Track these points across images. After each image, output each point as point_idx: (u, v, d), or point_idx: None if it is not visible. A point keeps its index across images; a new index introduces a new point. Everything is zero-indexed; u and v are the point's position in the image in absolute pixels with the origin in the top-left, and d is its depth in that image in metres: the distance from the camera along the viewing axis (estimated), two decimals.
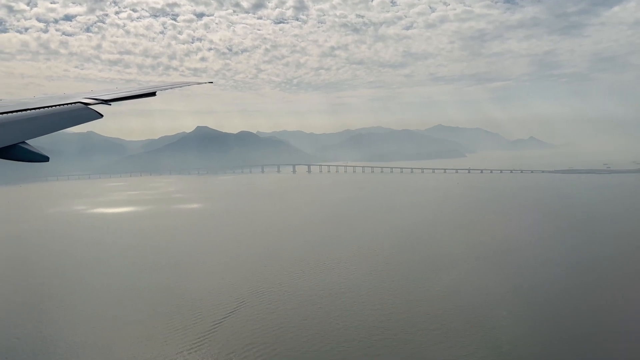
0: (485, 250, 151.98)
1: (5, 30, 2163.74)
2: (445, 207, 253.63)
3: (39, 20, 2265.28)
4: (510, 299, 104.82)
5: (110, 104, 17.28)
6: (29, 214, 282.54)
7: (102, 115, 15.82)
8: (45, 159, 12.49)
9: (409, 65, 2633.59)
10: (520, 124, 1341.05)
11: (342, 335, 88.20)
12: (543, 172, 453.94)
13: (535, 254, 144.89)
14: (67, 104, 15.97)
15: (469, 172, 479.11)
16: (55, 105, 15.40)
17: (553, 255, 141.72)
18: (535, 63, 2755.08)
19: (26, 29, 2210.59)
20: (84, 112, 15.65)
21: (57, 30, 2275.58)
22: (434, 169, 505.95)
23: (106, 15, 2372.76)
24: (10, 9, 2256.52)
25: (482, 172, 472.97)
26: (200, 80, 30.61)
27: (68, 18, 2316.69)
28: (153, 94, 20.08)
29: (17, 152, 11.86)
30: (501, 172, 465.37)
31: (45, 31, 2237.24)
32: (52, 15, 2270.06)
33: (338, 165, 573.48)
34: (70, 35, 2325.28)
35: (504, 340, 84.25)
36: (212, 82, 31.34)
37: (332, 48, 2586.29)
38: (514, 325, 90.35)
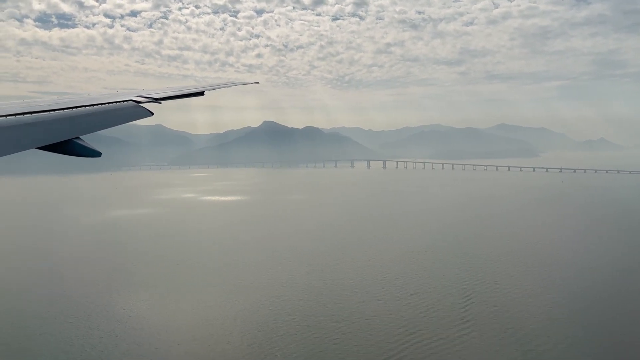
0: None
1: (74, 26, 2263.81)
2: (599, 206, 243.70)
3: (106, 16, 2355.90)
4: None
5: (160, 103, 17.77)
6: (143, 199, 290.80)
7: (152, 113, 16.27)
8: (97, 154, 12.63)
9: (465, 63, 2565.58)
10: (588, 125, 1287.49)
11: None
12: None
13: None
14: (119, 101, 16.35)
15: (560, 171, 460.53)
16: (108, 103, 15.76)
17: None
18: (597, 62, 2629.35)
19: (93, 25, 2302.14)
20: (135, 110, 16.18)
21: (122, 25, 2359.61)
22: (521, 167, 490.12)
23: (170, 11, 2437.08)
24: (80, 5, 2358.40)
25: (574, 171, 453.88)
26: (247, 80, 31.81)
27: (134, 14, 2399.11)
28: (201, 93, 21.01)
29: (72, 147, 12.17)
30: (596, 172, 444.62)
31: (111, 27, 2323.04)
32: (119, 11, 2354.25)
33: (415, 162, 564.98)
34: (134, 30, 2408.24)
35: None
36: (258, 82, 32.59)
37: (388, 44, 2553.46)
38: None
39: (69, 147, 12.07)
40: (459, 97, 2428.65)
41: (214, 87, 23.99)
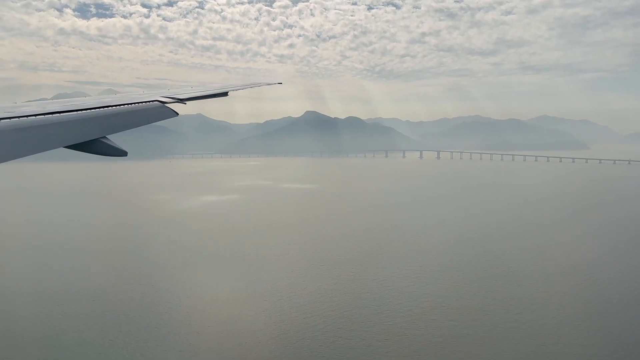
0: None
1: (112, 15, 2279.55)
2: None
3: (143, 5, 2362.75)
4: None
5: (185, 103, 18.08)
6: (225, 186, 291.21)
7: (177, 114, 16.49)
8: (123, 153, 12.74)
9: (500, 53, 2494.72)
10: (632, 117, 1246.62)
11: None
12: None
13: None
14: (145, 102, 16.55)
15: (629, 163, 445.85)
16: (134, 103, 15.95)
17: None
18: (636, 53, 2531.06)
19: (130, 14, 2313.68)
20: (161, 110, 16.35)
21: (158, 15, 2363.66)
22: (586, 159, 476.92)
23: (206, 0, 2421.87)
24: None
25: None
26: (270, 81, 31.82)
27: (170, 3, 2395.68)
28: (225, 94, 21.63)
29: (98, 147, 12.50)
30: None
31: (147, 16, 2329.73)
32: (156, 0, 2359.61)
33: (472, 152, 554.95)
34: (169, 20, 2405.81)
35: None
36: (281, 83, 32.87)
37: (423, 34, 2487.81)
38: None
39: (95, 146, 12.21)
40: (492, 88, 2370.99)
41: (238, 88, 24.61)
